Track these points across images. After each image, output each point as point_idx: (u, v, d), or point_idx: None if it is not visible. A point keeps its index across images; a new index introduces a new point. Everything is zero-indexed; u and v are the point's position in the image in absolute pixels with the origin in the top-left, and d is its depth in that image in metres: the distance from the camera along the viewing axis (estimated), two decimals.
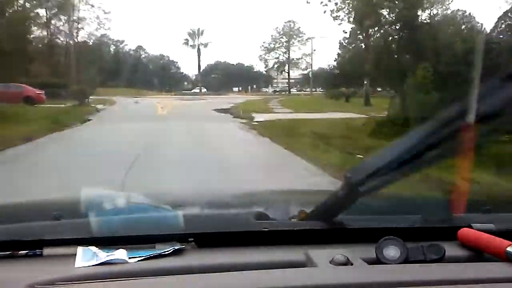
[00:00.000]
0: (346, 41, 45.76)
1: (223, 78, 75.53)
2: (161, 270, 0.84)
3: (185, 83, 79.06)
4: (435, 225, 1.04)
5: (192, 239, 0.97)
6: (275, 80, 79.30)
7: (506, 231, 0.94)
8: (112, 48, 70.52)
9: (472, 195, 1.20)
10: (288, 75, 69.67)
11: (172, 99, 38.96)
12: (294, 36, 71.56)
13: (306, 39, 70.36)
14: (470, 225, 0.98)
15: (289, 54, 70.99)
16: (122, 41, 72.62)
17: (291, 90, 71.39)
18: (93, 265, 0.86)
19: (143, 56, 75.13)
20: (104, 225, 0.94)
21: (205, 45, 69.37)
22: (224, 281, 0.80)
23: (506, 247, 0.85)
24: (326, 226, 1.02)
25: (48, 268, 0.86)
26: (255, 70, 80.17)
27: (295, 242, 0.97)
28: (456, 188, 1.00)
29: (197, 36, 68.38)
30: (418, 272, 0.82)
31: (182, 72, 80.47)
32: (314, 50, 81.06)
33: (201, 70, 70.51)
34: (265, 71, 75.40)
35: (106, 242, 0.93)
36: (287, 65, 70.74)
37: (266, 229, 1.00)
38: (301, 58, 72.68)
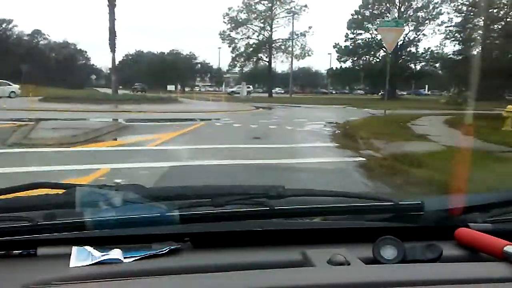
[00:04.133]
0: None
1: (151, 72, 52.85)
2: (157, 270, 0.84)
3: (93, 76, 59.78)
4: (433, 225, 1.04)
5: (188, 238, 0.97)
6: (227, 76, 54.27)
7: (503, 231, 0.94)
8: None
9: (469, 195, 1.20)
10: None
11: None
12: (280, 2, 46.56)
13: (300, 8, 45.25)
14: (467, 225, 0.98)
15: (271, 30, 46.17)
16: (10, 21, 54.68)
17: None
18: (88, 265, 0.85)
19: (41, 42, 57.51)
20: (99, 224, 0.93)
21: None
22: (220, 281, 0.79)
23: (503, 247, 0.85)
24: (323, 225, 1.01)
25: (42, 268, 0.85)
26: (198, 60, 56.72)
27: (293, 242, 0.96)
28: (453, 188, 0.99)
29: None
30: (415, 271, 0.82)
31: (93, 64, 62.27)
32: (310, 27, 58.11)
33: (115, 48, 29.60)
34: (233, 56, 49.56)
35: (101, 241, 0.92)
36: (268, 46, 44.76)
37: (263, 229, 0.99)
38: (289, 39, 47.20)
